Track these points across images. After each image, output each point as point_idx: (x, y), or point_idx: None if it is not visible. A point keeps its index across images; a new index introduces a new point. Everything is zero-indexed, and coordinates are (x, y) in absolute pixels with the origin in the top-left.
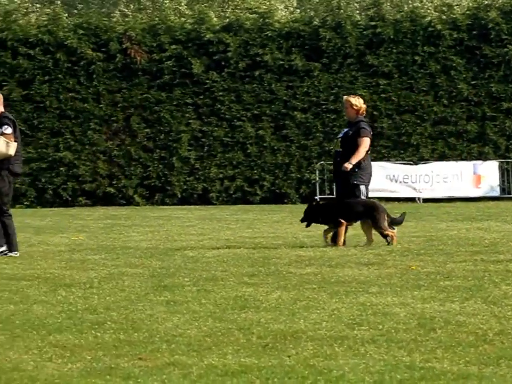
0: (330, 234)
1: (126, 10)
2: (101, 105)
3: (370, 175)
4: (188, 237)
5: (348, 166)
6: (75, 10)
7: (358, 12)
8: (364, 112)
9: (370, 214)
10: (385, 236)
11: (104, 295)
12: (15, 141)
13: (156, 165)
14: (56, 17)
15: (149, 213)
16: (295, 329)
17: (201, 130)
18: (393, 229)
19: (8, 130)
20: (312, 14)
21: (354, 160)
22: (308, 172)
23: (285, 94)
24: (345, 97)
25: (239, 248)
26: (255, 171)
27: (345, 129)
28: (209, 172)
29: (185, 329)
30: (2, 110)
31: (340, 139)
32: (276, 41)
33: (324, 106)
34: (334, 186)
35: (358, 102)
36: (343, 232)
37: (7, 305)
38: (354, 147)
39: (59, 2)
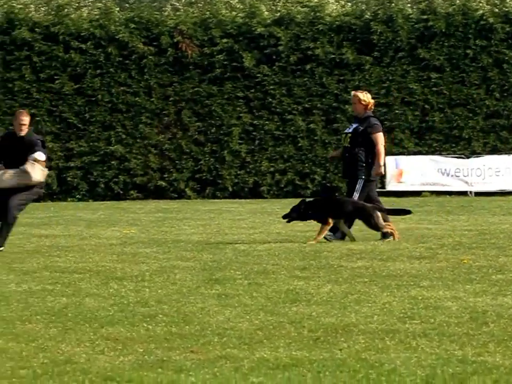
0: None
1: (177, 4)
2: (152, 99)
3: None
4: (239, 230)
5: (381, 170)
6: (126, 5)
7: (409, 5)
8: (372, 107)
9: (362, 215)
10: (384, 234)
11: (155, 288)
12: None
13: (207, 159)
14: (108, 11)
15: (200, 206)
16: (346, 323)
17: (252, 124)
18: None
19: (42, 156)
20: (363, 7)
21: (382, 160)
22: None
23: (336, 87)
24: (353, 92)
25: (290, 241)
26: (306, 164)
27: (354, 125)
28: (260, 165)
29: (236, 322)
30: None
31: (349, 134)
32: (327, 35)
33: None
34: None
35: (366, 97)
36: (326, 230)
37: (60, 298)
38: (366, 143)
39: None
